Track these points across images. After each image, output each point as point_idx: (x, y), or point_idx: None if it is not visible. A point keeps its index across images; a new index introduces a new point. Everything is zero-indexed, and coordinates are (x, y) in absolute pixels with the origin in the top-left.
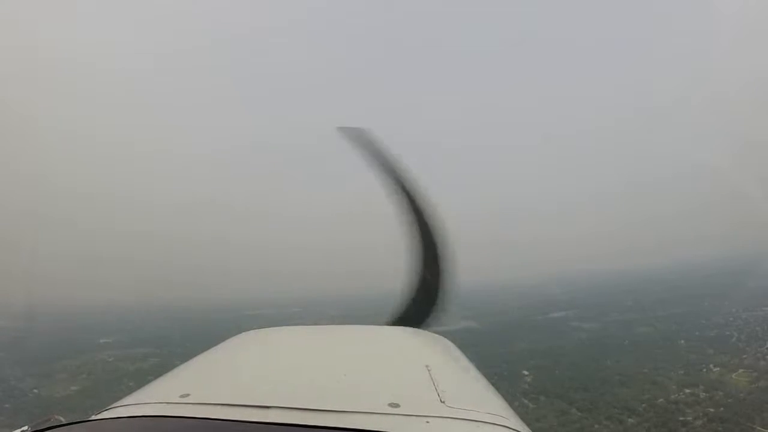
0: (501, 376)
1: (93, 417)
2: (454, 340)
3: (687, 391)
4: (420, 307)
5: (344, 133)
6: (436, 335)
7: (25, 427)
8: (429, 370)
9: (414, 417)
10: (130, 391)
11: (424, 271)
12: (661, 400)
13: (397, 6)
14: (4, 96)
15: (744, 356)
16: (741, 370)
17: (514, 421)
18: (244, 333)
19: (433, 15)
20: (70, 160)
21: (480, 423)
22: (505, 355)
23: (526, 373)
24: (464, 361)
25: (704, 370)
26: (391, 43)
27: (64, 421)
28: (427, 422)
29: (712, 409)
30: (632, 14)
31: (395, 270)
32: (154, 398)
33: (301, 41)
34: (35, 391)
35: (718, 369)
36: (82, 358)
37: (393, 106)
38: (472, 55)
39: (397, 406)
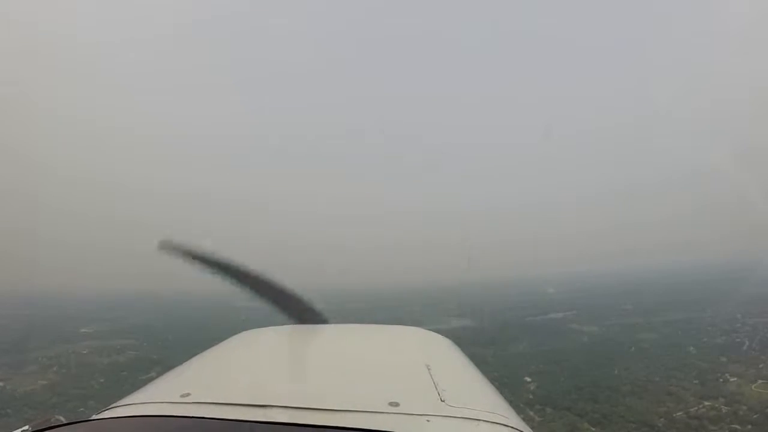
0: (502, 383)
1: (93, 417)
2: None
3: (706, 403)
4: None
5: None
6: (436, 334)
7: (26, 427)
8: (429, 369)
9: (414, 416)
10: (98, 388)
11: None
12: (680, 413)
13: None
14: None
15: (761, 365)
16: (760, 381)
17: (514, 420)
18: (244, 332)
19: (433, 10)
20: (46, 140)
21: (480, 422)
22: (505, 358)
23: (528, 379)
24: (464, 360)
25: (720, 380)
26: (390, 36)
27: (64, 420)
28: (428, 421)
29: (738, 426)
30: (632, 14)
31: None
32: (154, 398)
33: (296, 30)
34: (0, 384)
35: (736, 379)
36: (58, 348)
37: (391, 98)
38: (471, 51)
39: (397, 405)
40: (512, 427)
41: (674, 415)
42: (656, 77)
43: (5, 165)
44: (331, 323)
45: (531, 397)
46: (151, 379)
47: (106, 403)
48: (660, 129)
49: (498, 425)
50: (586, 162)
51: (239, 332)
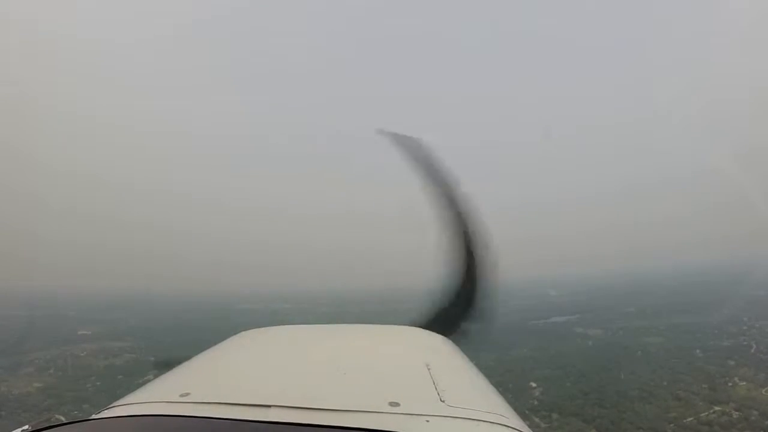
0: (506, 388)
1: (93, 416)
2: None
3: (717, 408)
4: (454, 314)
5: (392, 139)
6: (436, 334)
7: (26, 426)
8: (429, 369)
9: (414, 416)
10: (94, 390)
11: (463, 279)
12: (690, 419)
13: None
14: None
15: None
16: None
17: (514, 421)
18: (244, 332)
19: (433, 10)
20: (46, 139)
21: (480, 422)
22: (508, 363)
23: (533, 385)
24: (464, 360)
25: (730, 384)
26: (390, 36)
27: (64, 420)
28: (427, 421)
29: None
30: (632, 14)
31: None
32: (154, 397)
33: (298, 28)
34: None
35: (745, 383)
36: (55, 351)
37: (390, 98)
38: (471, 50)
39: (397, 405)
40: (512, 428)
41: (684, 420)
42: (656, 77)
43: (4, 164)
44: (331, 323)
45: (536, 402)
46: (149, 381)
47: (101, 406)
48: (660, 129)
49: (498, 425)
50: (586, 162)
51: (239, 332)
